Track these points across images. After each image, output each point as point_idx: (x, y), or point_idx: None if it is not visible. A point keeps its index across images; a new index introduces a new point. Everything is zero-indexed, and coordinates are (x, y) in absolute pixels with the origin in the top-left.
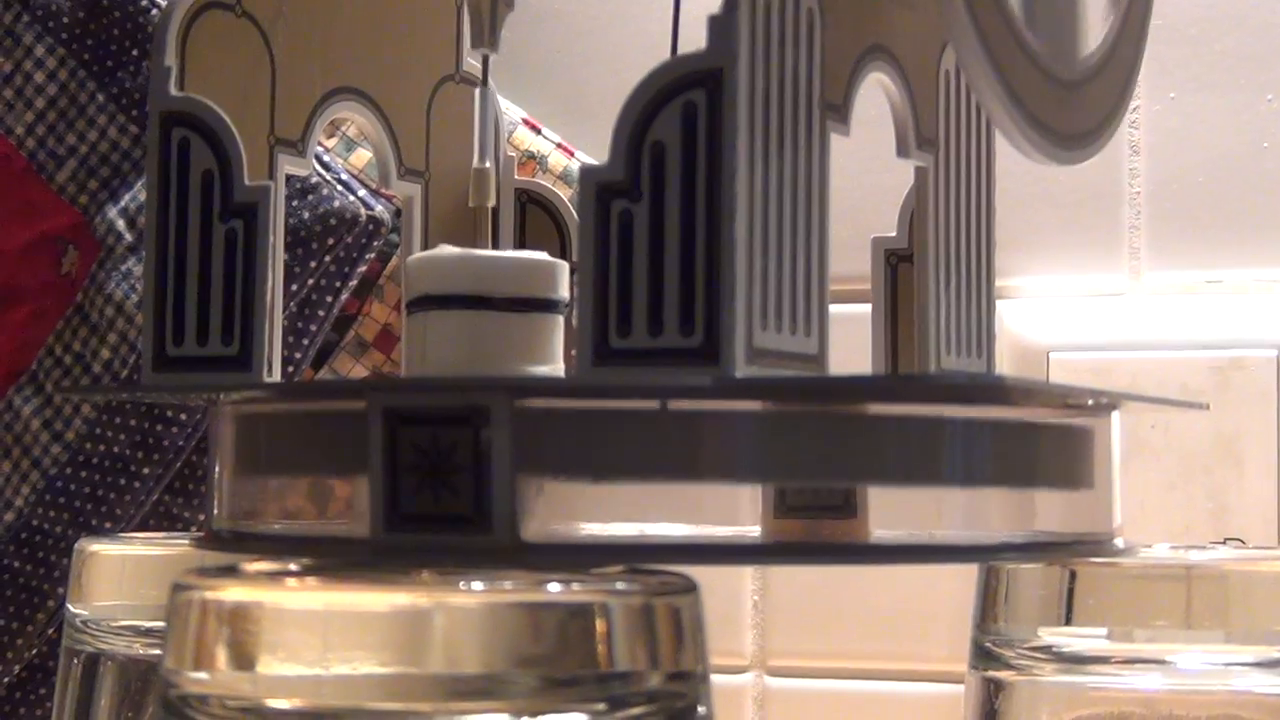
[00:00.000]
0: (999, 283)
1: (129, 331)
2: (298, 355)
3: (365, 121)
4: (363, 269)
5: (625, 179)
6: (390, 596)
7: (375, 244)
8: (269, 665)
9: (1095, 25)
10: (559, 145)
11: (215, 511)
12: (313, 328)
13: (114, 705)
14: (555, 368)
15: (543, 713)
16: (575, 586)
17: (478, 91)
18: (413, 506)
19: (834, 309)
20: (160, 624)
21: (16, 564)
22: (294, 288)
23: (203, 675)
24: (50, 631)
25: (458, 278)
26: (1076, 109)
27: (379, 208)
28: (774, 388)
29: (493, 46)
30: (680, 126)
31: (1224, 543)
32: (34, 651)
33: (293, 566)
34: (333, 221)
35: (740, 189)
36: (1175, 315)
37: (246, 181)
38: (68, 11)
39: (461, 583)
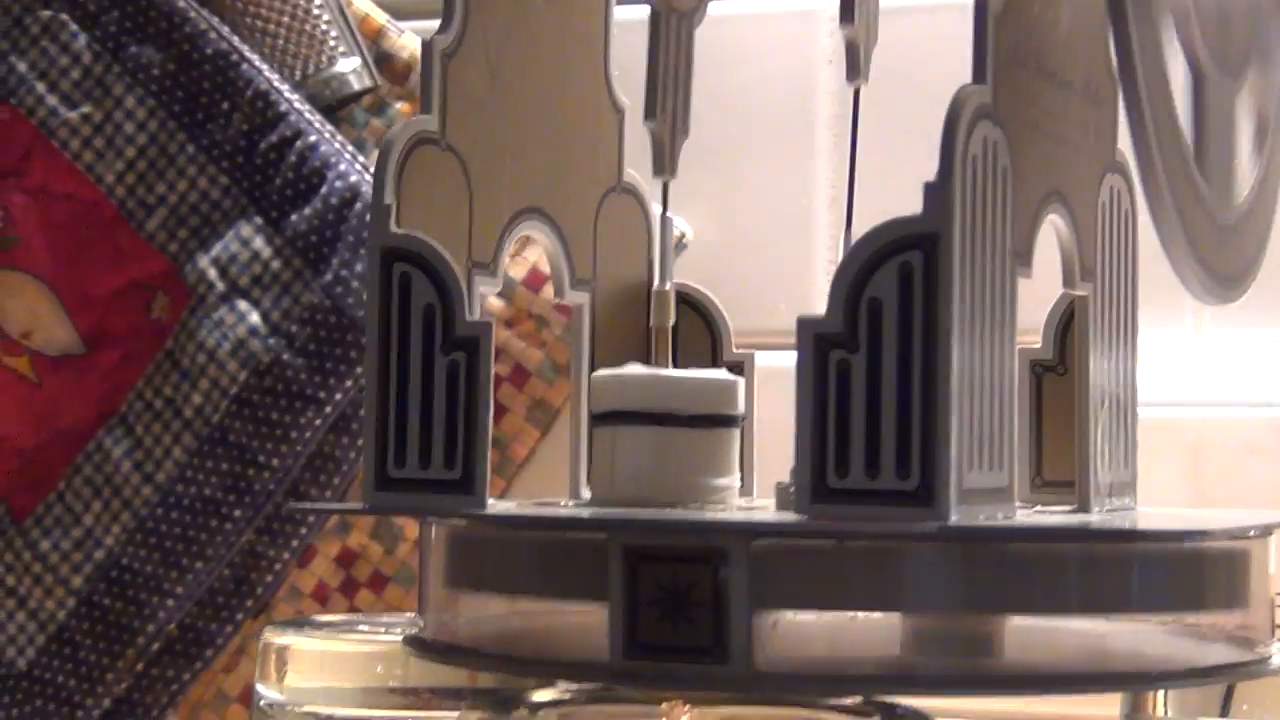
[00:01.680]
0: None
1: (220, 378)
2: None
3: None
4: None
5: (843, 331)
6: None
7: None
8: None
9: (1244, 172)
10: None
11: (433, 620)
12: None
13: None
14: (733, 479)
15: None
16: None
17: (658, 218)
18: (652, 636)
19: None
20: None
21: (107, 601)
22: None
23: None
24: (139, 667)
25: (645, 395)
26: (1232, 251)
27: None
28: (995, 534)
29: (672, 173)
30: (897, 285)
31: None
32: (123, 685)
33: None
34: None
35: (955, 343)
36: (1239, 371)
37: (468, 317)
38: (158, 64)
39: None
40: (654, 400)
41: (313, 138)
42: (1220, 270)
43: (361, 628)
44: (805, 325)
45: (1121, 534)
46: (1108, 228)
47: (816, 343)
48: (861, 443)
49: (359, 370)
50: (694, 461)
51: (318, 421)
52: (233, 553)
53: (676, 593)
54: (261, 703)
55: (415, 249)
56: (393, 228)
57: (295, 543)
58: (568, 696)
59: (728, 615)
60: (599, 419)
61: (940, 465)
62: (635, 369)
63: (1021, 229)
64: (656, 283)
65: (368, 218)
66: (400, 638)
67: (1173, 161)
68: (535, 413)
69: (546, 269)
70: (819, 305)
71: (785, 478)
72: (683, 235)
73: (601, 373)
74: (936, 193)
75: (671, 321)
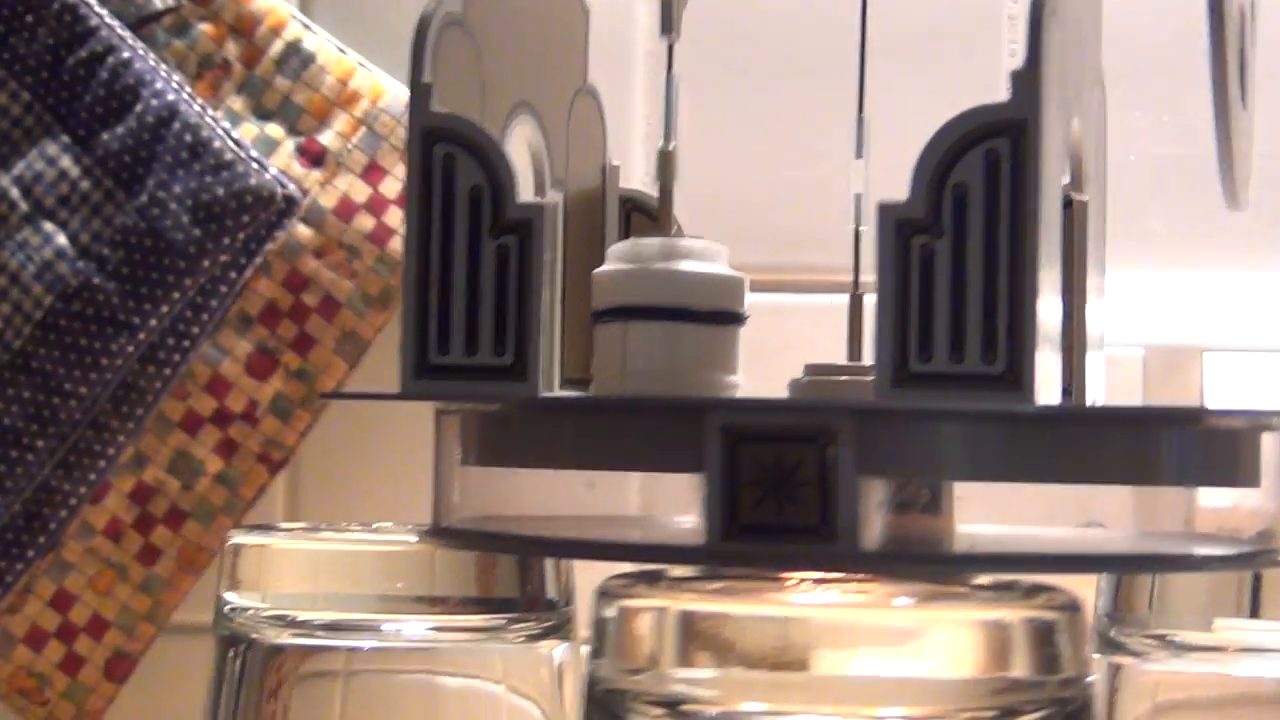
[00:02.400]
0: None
1: (24, 302)
2: (195, 330)
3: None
4: (271, 246)
5: (926, 216)
6: (845, 612)
7: (286, 222)
8: (719, 666)
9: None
10: None
11: (454, 508)
12: (213, 303)
13: (258, 688)
14: (739, 377)
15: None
16: (1014, 604)
17: (664, 78)
18: (752, 517)
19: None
20: (322, 614)
21: None
22: (205, 264)
23: (635, 674)
24: None
25: (660, 290)
26: (1243, 159)
27: (292, 186)
28: (1087, 418)
29: (677, 34)
30: (983, 171)
31: (1087, 526)
32: None
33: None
34: (249, 199)
35: (1040, 229)
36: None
37: (519, 199)
38: None
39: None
40: (669, 295)
41: (126, 54)
42: (1239, 176)
43: (327, 532)
44: (887, 211)
45: (1192, 412)
46: (1093, 137)
47: (899, 228)
48: (946, 327)
49: (176, 295)
50: (706, 357)
51: (130, 348)
52: (32, 486)
53: (781, 472)
54: (227, 609)
55: (460, 129)
56: (434, 107)
57: (92, 476)
58: (696, 574)
59: (835, 494)
60: (606, 314)
61: (1027, 349)
62: (643, 262)
63: (1065, 127)
64: (662, 142)
65: (186, 137)
66: (397, 539)
67: (1235, 66)
68: (345, 345)
69: (358, 198)
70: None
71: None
72: None
73: (609, 267)
74: (1024, 80)
75: (675, 180)
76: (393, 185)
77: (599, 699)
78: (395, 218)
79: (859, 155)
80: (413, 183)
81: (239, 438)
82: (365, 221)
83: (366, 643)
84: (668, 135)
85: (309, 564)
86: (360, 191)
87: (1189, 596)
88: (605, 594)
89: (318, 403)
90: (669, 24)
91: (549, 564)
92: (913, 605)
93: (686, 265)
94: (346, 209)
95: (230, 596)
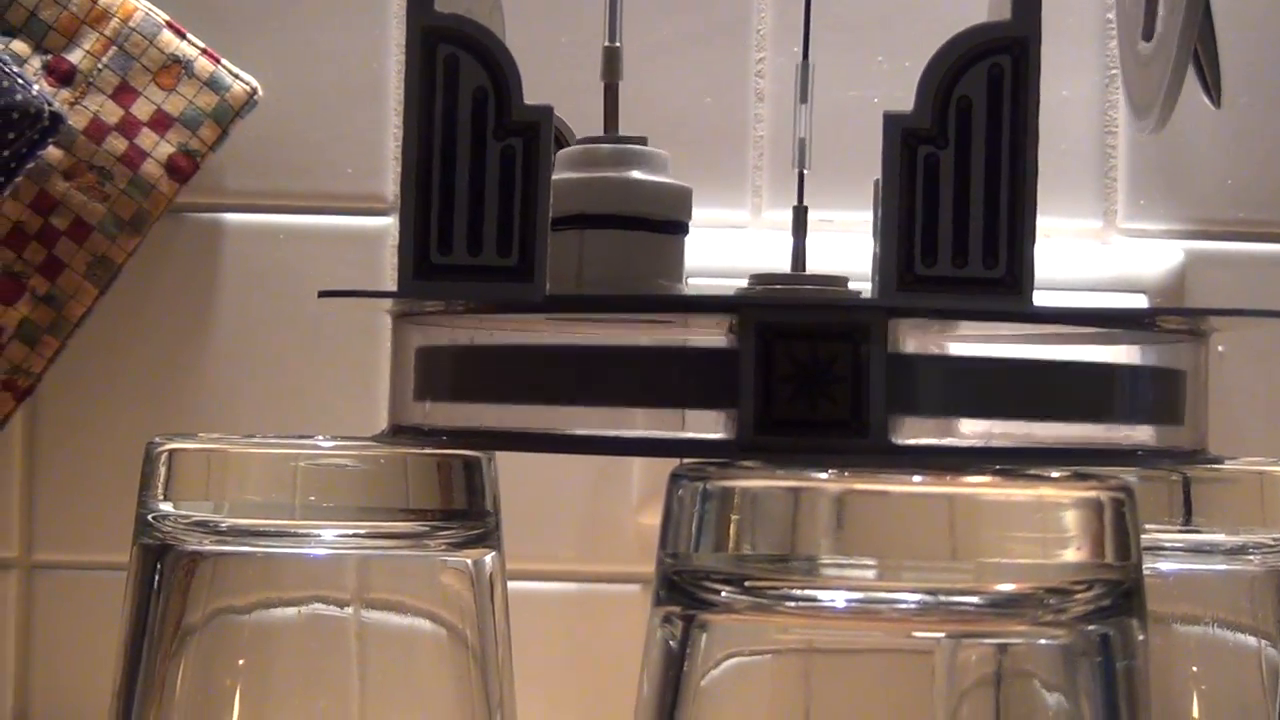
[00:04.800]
0: None
1: None
2: None
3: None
4: (31, 165)
5: (932, 127)
6: (921, 488)
7: (50, 139)
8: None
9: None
10: (204, 51)
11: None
12: None
13: (184, 596)
14: (684, 285)
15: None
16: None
17: None
18: (786, 412)
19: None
20: (243, 521)
21: None
22: None
23: (711, 558)
24: None
25: (616, 199)
26: (1144, 83)
27: (57, 104)
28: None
29: None
30: (986, 85)
31: None
32: None
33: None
34: (15, 115)
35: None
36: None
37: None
38: None
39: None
40: (625, 204)
41: None
42: (1136, 100)
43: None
44: (893, 121)
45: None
46: None
47: (904, 138)
48: (949, 233)
49: None
50: (659, 266)
51: None
52: None
53: (815, 369)
54: (150, 517)
55: (464, 29)
56: (436, 6)
57: None
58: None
59: (866, 390)
60: (563, 222)
61: (1026, 255)
62: (597, 172)
63: None
64: (606, 39)
65: None
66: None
67: None
68: (95, 270)
69: (109, 119)
70: (388, 168)
71: None
72: (255, 91)
73: (567, 175)
74: (1026, 1)
75: (621, 78)
76: (145, 106)
77: (673, 580)
78: (148, 140)
79: (804, 100)
80: (413, 84)
81: None
82: (117, 143)
83: (284, 549)
84: (612, 33)
85: (245, 471)
86: (112, 113)
87: None
88: (687, 477)
89: (68, 329)
90: None
91: (480, 473)
92: (981, 489)
93: (639, 174)
94: (98, 130)
95: (154, 504)
